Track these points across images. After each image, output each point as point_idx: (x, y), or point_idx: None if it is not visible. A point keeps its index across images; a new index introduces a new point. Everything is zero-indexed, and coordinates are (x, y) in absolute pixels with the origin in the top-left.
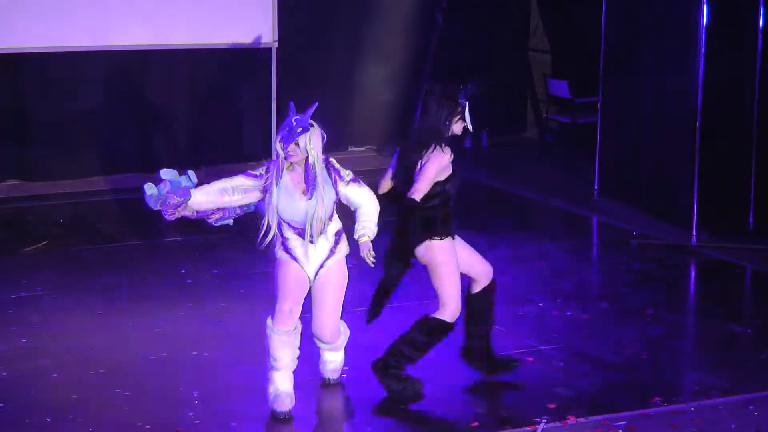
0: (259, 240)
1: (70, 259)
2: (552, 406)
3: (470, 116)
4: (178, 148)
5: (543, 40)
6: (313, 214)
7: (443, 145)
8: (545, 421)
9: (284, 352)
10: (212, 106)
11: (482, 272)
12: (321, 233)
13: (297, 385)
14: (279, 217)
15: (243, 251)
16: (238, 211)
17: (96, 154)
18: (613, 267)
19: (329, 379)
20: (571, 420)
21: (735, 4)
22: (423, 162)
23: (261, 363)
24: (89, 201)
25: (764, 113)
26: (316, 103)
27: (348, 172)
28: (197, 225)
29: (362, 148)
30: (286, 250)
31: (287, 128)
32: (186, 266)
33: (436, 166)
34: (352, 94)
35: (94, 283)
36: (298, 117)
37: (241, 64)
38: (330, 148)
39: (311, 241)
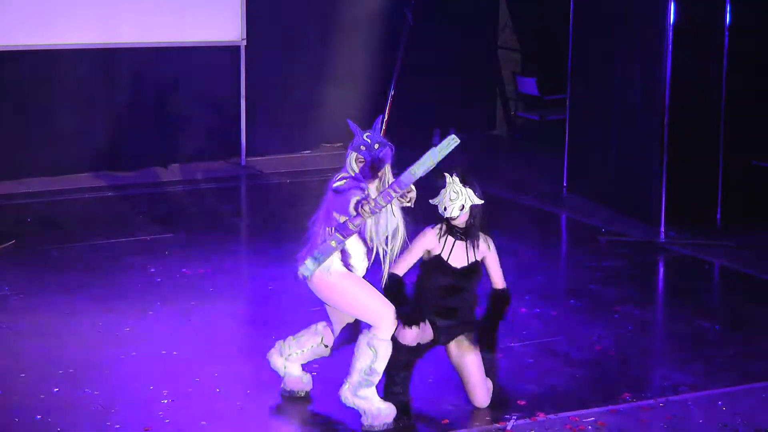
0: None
1: (37, 258)
2: (522, 402)
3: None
4: (147, 146)
5: (512, 38)
6: (396, 228)
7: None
8: (515, 418)
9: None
10: (181, 104)
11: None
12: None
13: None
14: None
15: (211, 250)
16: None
17: (64, 152)
18: (581, 264)
19: (304, 391)
20: (541, 417)
21: (702, 1)
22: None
23: (230, 361)
24: (57, 200)
25: (731, 111)
26: (381, 116)
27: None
28: (166, 223)
29: (335, 145)
30: (347, 265)
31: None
32: (155, 265)
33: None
34: (322, 92)
35: (62, 283)
36: (369, 133)
37: (209, 62)
38: (301, 145)
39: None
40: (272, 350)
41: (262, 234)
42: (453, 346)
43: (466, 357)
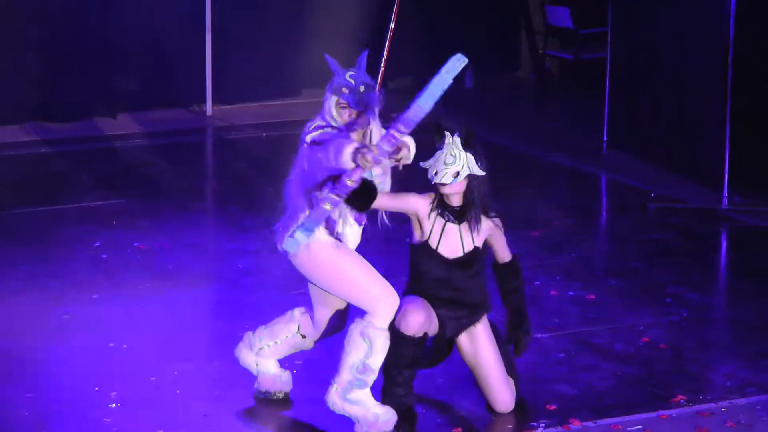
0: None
1: None
2: (552, 407)
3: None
4: (90, 91)
5: None
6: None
7: None
8: (543, 426)
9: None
10: (139, 48)
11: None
12: None
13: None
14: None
15: (170, 219)
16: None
17: None
18: (625, 236)
19: (282, 392)
20: (575, 424)
21: None
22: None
23: (193, 357)
24: None
25: None
26: (366, 51)
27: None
28: (114, 186)
29: (318, 91)
30: (332, 231)
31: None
32: (100, 238)
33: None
34: (302, 27)
35: None
36: (353, 72)
37: (171, 2)
38: (282, 93)
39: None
40: (240, 344)
41: (231, 199)
42: (465, 340)
43: (482, 351)
